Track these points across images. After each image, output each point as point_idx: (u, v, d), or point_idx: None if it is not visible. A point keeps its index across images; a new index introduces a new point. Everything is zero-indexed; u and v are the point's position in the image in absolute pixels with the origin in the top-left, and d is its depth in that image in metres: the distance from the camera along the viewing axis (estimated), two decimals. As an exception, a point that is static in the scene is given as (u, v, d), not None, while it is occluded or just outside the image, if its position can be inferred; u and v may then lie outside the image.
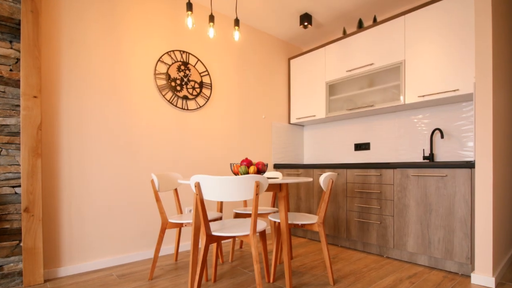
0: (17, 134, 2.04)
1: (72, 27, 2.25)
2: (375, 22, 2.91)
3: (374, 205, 2.64)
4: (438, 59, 2.48)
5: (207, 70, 3.03)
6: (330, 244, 3.01)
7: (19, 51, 2.06)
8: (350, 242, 2.87)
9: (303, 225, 2.02)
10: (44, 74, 2.13)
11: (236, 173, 1.88)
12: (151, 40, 2.66)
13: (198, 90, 2.94)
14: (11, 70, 2.04)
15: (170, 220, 2.09)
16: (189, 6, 2.16)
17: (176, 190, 2.38)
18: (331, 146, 3.69)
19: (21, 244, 2.01)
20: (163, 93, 2.71)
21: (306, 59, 3.62)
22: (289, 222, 2.00)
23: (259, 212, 2.46)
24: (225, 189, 1.53)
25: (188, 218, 2.16)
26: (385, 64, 2.82)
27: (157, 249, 2.06)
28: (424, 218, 2.31)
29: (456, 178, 2.16)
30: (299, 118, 3.70)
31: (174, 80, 2.77)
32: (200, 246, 2.84)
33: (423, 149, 2.80)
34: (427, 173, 2.30)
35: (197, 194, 1.57)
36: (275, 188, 1.84)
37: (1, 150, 1.99)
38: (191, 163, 2.90)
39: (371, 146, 3.27)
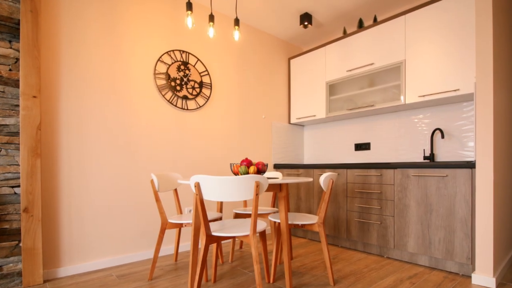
0: (16, 134, 2.04)
1: (71, 26, 2.24)
2: (376, 22, 2.90)
3: (375, 205, 2.63)
4: (438, 59, 2.47)
5: (207, 70, 3.02)
6: (330, 245, 3.01)
7: (18, 50, 2.06)
8: (351, 243, 2.86)
9: (303, 226, 2.01)
10: (44, 74, 2.12)
11: (236, 173, 1.88)
12: (151, 40, 2.65)
13: (198, 90, 2.93)
14: (10, 70, 2.04)
15: (170, 220, 2.08)
16: (189, 6, 2.16)
17: (176, 190, 2.37)
18: (331, 146, 3.69)
19: (21, 244, 2.01)
20: (163, 93, 2.70)
21: (306, 59, 3.61)
22: (289, 222, 1.99)
23: (259, 212, 2.45)
24: (225, 189, 1.52)
25: (188, 218, 2.15)
26: (385, 64, 2.81)
27: (157, 250, 2.06)
28: (425, 218, 2.31)
29: (456, 178, 2.15)
30: (299, 118, 3.70)
31: (174, 80, 2.76)
32: (200, 246, 2.83)
33: (424, 149, 2.79)
34: (427, 173, 2.30)
35: (197, 194, 1.57)
36: (275, 188, 1.83)
37: (0, 150, 1.99)
38: (191, 163, 2.89)
39: (372, 146, 3.26)
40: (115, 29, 2.45)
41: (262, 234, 1.95)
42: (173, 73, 2.76)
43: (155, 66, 2.65)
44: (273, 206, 2.73)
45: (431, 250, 2.27)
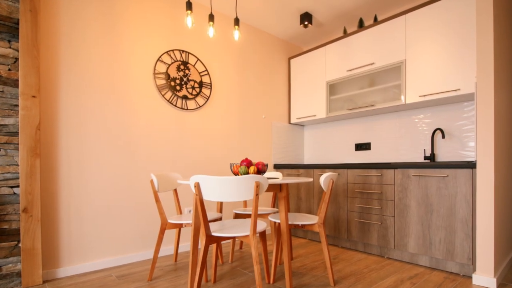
0: (15, 134, 2.03)
1: (71, 26, 2.23)
2: (376, 22, 2.89)
3: (375, 206, 2.62)
4: (439, 58, 2.47)
5: (206, 70, 3.02)
6: (331, 245, 3.00)
7: (17, 50, 2.05)
8: (351, 243, 2.86)
9: (303, 226, 2.01)
10: (43, 74, 2.12)
11: (236, 173, 1.87)
12: (150, 39, 2.64)
13: (197, 89, 2.92)
14: (9, 69, 2.03)
15: (169, 221, 2.08)
16: (189, 5, 2.15)
17: (175, 190, 2.37)
18: (331, 146, 3.68)
19: (20, 244, 2.00)
20: (163, 92, 2.70)
21: (307, 59, 3.60)
22: (289, 222, 1.98)
23: (259, 212, 2.45)
24: (225, 190, 1.52)
25: (187, 218, 2.14)
26: (386, 63, 2.81)
27: (157, 250, 2.05)
28: (425, 219, 2.30)
29: (457, 178, 2.14)
30: (299, 118, 3.69)
31: (174, 79, 2.76)
32: (199, 246, 2.82)
33: (424, 149, 2.78)
34: (428, 173, 2.29)
35: (196, 195, 1.56)
36: (275, 188, 1.82)
37: (0, 150, 1.98)
38: (190, 163, 2.89)
39: (372, 146, 3.26)
40: (114, 28, 2.44)
41: (262, 234, 1.95)
42: (173, 72, 2.76)
43: (155, 66, 2.65)
44: (273, 206, 2.72)
45: (431, 250, 2.26)
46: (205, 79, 3.01)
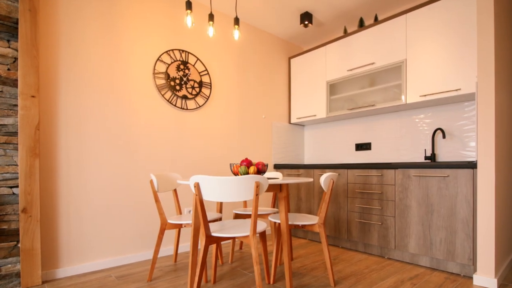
0: (14, 134, 2.02)
1: (70, 25, 2.23)
2: (376, 21, 2.88)
3: (375, 206, 2.62)
4: (440, 58, 2.46)
5: (206, 70, 3.01)
6: (331, 245, 2.99)
7: (16, 50, 2.05)
8: (351, 243, 2.85)
9: (303, 226, 2.00)
10: (42, 73, 2.11)
11: (236, 174, 1.86)
12: (150, 39, 2.63)
13: (197, 89, 2.92)
14: (8, 69, 2.02)
15: (169, 221, 2.07)
16: (189, 5, 2.14)
17: (175, 190, 2.36)
18: (331, 146, 3.67)
19: (19, 245, 1.99)
20: (162, 92, 2.69)
21: (307, 58, 3.60)
22: (290, 223, 1.98)
23: (259, 212, 2.44)
24: (224, 190, 1.51)
25: (187, 218, 2.14)
26: (386, 63, 2.80)
27: (156, 250, 2.05)
28: (426, 219, 2.29)
29: (458, 179, 2.14)
30: (299, 118, 3.68)
31: (174, 79, 2.75)
32: (199, 247, 2.82)
33: (425, 149, 2.78)
34: (428, 174, 2.28)
35: (196, 195, 1.55)
36: (275, 188, 1.82)
37: (-1, 150, 1.97)
38: (190, 163, 2.88)
39: (372, 146, 3.25)
40: (114, 28, 2.43)
41: (262, 234, 1.94)
42: (173, 72, 2.75)
43: (155, 66, 2.64)
44: (273, 207, 2.72)
45: (432, 251, 2.26)
46: (205, 79, 3.00)
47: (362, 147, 3.33)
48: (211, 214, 2.24)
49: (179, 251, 2.77)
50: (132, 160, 2.50)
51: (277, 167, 3.54)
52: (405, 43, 2.67)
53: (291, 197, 3.41)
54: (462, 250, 2.11)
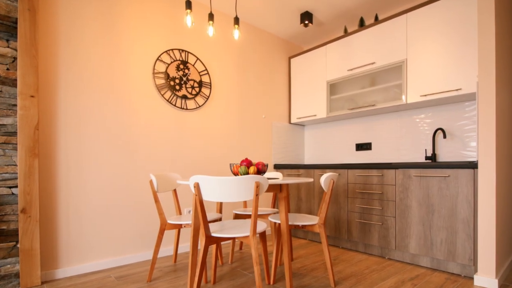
0: (14, 134, 2.02)
1: (69, 25, 2.22)
2: (377, 21, 2.88)
3: (376, 206, 2.61)
4: (440, 58, 2.45)
5: (206, 69, 3.00)
6: (331, 246, 2.99)
7: (16, 50, 2.04)
8: (351, 244, 2.84)
9: (303, 226, 1.99)
10: (42, 73, 2.10)
11: (235, 174, 1.86)
12: (150, 39, 2.63)
13: (197, 89, 2.91)
14: (8, 69, 2.02)
15: (169, 221, 2.06)
16: (188, 4, 2.14)
17: (175, 190, 2.35)
18: (332, 146, 3.66)
19: (18, 245, 1.99)
20: (162, 92, 2.68)
21: (307, 58, 3.59)
22: (290, 223, 1.97)
23: (259, 213, 2.43)
24: (224, 190, 1.50)
25: (187, 219, 2.13)
26: (386, 63, 2.79)
27: (156, 251, 2.04)
28: (426, 219, 2.28)
29: (458, 179, 2.13)
30: (299, 118, 3.68)
31: (173, 79, 2.74)
32: (199, 247, 2.81)
33: (425, 149, 2.77)
34: (429, 174, 2.27)
35: (196, 195, 1.55)
36: (275, 188, 1.81)
37: (-2, 150, 1.97)
38: (190, 163, 2.87)
39: (373, 146, 3.24)
40: (113, 28, 2.43)
41: (262, 235, 1.93)
42: (172, 72, 2.74)
43: (154, 65, 2.63)
44: (273, 207, 2.71)
45: (433, 251, 2.25)
46: (205, 79, 2.99)
47: (363, 147, 3.32)
48: (211, 215, 2.24)
49: (179, 252, 2.76)
50: (131, 160, 2.50)
51: (277, 167, 3.53)
52: (405, 42, 2.66)
53: (291, 197, 3.40)
54: (462, 251, 2.11)
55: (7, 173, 1.98)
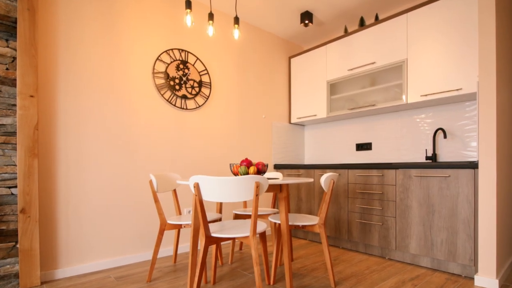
0: (13, 134, 2.01)
1: (69, 25, 2.21)
2: (377, 20, 2.87)
3: (376, 206, 2.60)
4: (441, 57, 2.44)
5: (206, 69, 3.00)
6: (331, 246, 2.98)
7: (15, 49, 2.03)
8: (352, 244, 2.84)
9: (303, 227, 1.99)
10: (41, 73, 2.10)
11: (235, 174, 1.85)
12: (149, 39, 2.62)
13: (197, 89, 2.90)
14: (7, 69, 2.01)
15: (168, 221, 2.06)
16: (188, 4, 2.13)
17: (175, 190, 2.35)
18: (332, 146, 3.66)
19: (18, 245, 1.98)
20: (162, 92, 2.68)
21: (307, 58, 3.58)
22: (290, 223, 1.96)
23: (259, 213, 2.43)
24: (224, 190, 1.50)
25: (187, 219, 2.12)
26: (387, 63, 2.78)
27: (156, 251, 2.03)
28: (427, 219, 2.28)
29: (459, 179, 2.12)
30: (299, 118, 3.67)
31: (173, 79, 2.74)
32: (199, 247, 2.80)
33: (426, 149, 2.76)
34: (429, 174, 2.27)
35: (196, 195, 1.54)
36: (275, 188, 1.80)
37: (-3, 150, 1.96)
38: (190, 163, 2.87)
39: (373, 146, 3.24)
40: (113, 27, 2.42)
41: (262, 235, 1.93)
42: (172, 72, 2.74)
43: (154, 65, 2.63)
44: (273, 207, 2.70)
45: (433, 251, 2.24)
46: (205, 79, 2.99)
47: (363, 147, 3.32)
48: (211, 215, 2.23)
49: (178, 252, 2.75)
50: (131, 160, 2.49)
51: (277, 167, 3.53)
52: (406, 42, 2.66)
53: (291, 197, 3.40)
54: (463, 251, 2.10)
55: (6, 173, 1.98)
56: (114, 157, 2.40)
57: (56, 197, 2.13)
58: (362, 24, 3.15)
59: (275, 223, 2.07)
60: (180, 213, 2.35)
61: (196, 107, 2.90)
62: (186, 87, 2.82)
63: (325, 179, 1.96)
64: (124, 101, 2.47)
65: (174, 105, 2.75)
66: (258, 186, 1.49)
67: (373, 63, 2.88)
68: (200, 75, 2.94)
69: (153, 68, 2.62)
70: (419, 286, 1.97)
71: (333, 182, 1.99)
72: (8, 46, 2.01)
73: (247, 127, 3.36)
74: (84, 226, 2.24)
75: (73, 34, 2.23)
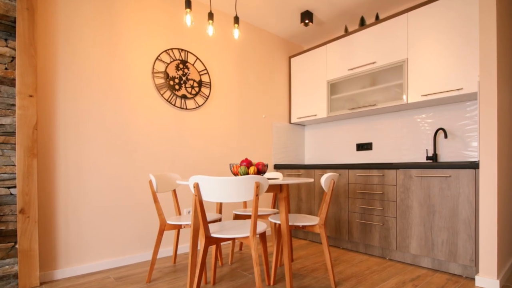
0: (12, 134, 2.00)
1: (68, 24, 2.21)
2: (378, 20, 2.86)
3: (377, 206, 2.59)
4: (441, 57, 2.44)
5: (206, 69, 2.99)
6: (332, 246, 2.97)
7: (14, 49, 2.02)
8: (352, 244, 2.83)
9: (304, 227, 1.98)
10: (40, 73, 2.09)
11: (235, 174, 1.84)
12: (149, 38, 2.61)
13: (197, 89, 2.90)
14: (6, 68, 2.00)
15: (168, 222, 2.05)
16: (188, 4, 2.12)
17: (174, 191, 2.34)
18: (332, 146, 3.65)
19: (17, 246, 1.98)
20: (161, 92, 2.67)
21: (307, 58, 3.57)
22: (290, 223, 1.96)
23: (259, 213, 2.42)
24: (224, 190, 1.49)
25: (186, 219, 2.12)
26: (387, 62, 2.78)
27: (155, 251, 2.03)
28: (428, 220, 2.27)
29: (460, 179, 2.11)
30: (300, 118, 3.66)
31: (173, 78, 2.73)
32: (199, 248, 2.80)
33: (426, 149, 2.76)
34: (430, 174, 2.26)
35: (196, 195, 1.53)
36: (275, 189, 1.80)
37: (-4, 150, 1.95)
38: (189, 163, 2.86)
39: (374, 146, 3.23)
40: (113, 27, 2.41)
41: (262, 235, 1.92)
42: (172, 72, 2.73)
43: (154, 65, 2.62)
44: (274, 207, 2.70)
45: (434, 252, 2.23)
46: (205, 78, 2.98)
47: (363, 147, 3.31)
48: (210, 215, 2.22)
49: (178, 252, 2.75)
50: (131, 160, 2.48)
51: (277, 167, 3.52)
52: (406, 42, 2.65)
53: (291, 197, 3.39)
54: (464, 251, 2.09)
55: (5, 173, 1.97)
56: (113, 157, 2.39)
57: (55, 197, 2.12)
58: (362, 24, 3.14)
59: (275, 223, 2.07)
60: (179, 214, 2.35)
61: (196, 107, 2.90)
62: (186, 87, 2.81)
63: (326, 179, 1.96)
64: (123, 101, 2.46)
65: (174, 105, 2.74)
66: (258, 186, 1.48)
67: (373, 62, 2.88)
68: (200, 75, 2.93)
69: (153, 68, 2.61)
70: (420, 286, 1.96)
71: (334, 182, 1.98)
72: (7, 46, 2.00)
73: (247, 127, 3.35)
74: (84, 226, 2.23)
75: (72, 34, 2.22)
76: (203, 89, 2.96)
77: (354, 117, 3.37)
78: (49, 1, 2.13)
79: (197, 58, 2.92)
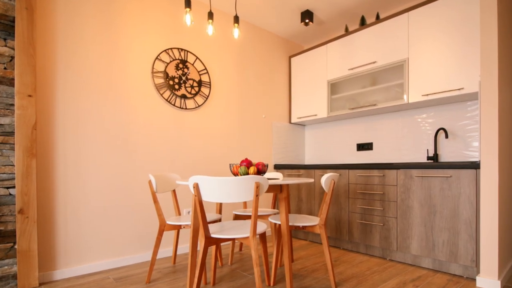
0: (11, 134, 2.00)
1: (68, 23, 2.20)
2: (378, 19, 2.85)
3: (377, 207, 2.59)
4: (442, 57, 2.43)
5: (206, 69, 2.98)
6: (332, 247, 2.97)
7: (13, 49, 2.01)
8: (353, 245, 2.82)
9: (304, 227, 1.97)
10: (39, 72, 2.08)
11: (235, 174, 1.84)
12: (148, 37, 2.61)
13: (196, 89, 2.89)
14: (5, 68, 1.99)
15: (168, 222, 2.04)
16: (188, 3, 2.11)
17: (174, 191, 2.33)
18: (332, 146, 3.64)
19: (16, 246, 1.97)
20: (161, 92, 2.66)
21: (307, 57, 3.57)
22: (290, 224, 1.95)
23: (259, 213, 2.41)
24: (224, 190, 1.48)
25: (186, 220, 2.11)
26: (388, 62, 2.77)
27: (155, 252, 2.02)
28: (428, 220, 2.26)
29: (461, 179, 2.11)
30: (300, 118, 3.65)
31: (172, 78, 2.72)
32: (198, 248, 2.79)
33: (427, 149, 2.75)
34: (431, 174, 2.25)
35: (195, 195, 1.52)
36: (275, 189, 1.79)
37: (-5, 150, 1.94)
38: (189, 163, 2.85)
39: (374, 146, 3.22)
40: (112, 26, 2.40)
41: (262, 236, 1.91)
42: (172, 71, 2.72)
43: (153, 65, 2.61)
44: (274, 208, 2.69)
45: (434, 252, 2.23)
46: (204, 78, 2.97)
47: (364, 147, 3.30)
48: (210, 215, 2.21)
49: (178, 253, 2.74)
50: (130, 160, 2.47)
51: (278, 167, 3.51)
52: (407, 41, 2.64)
53: (291, 197, 3.38)
54: (465, 252, 2.08)
55: (4, 173, 1.96)
56: (112, 157, 2.38)
57: (54, 197, 2.12)
58: (363, 23, 3.13)
59: (275, 223, 2.06)
60: (179, 214, 2.34)
61: (196, 107, 2.89)
62: (185, 87, 2.81)
63: (326, 179, 1.95)
64: (123, 101, 2.45)
65: (174, 105, 2.73)
66: (258, 186, 1.47)
67: (374, 62, 2.87)
68: (200, 75, 2.92)
69: (152, 68, 2.60)
70: (421, 287, 1.95)
71: (334, 183, 1.97)
72: (6, 45, 2.00)
73: (247, 127, 3.34)
74: (83, 227, 2.23)
75: (71, 33, 2.21)
76: (202, 88, 2.95)
77: (355, 117, 3.36)
78: (48, 0, 2.12)
79: (197, 57, 2.92)
